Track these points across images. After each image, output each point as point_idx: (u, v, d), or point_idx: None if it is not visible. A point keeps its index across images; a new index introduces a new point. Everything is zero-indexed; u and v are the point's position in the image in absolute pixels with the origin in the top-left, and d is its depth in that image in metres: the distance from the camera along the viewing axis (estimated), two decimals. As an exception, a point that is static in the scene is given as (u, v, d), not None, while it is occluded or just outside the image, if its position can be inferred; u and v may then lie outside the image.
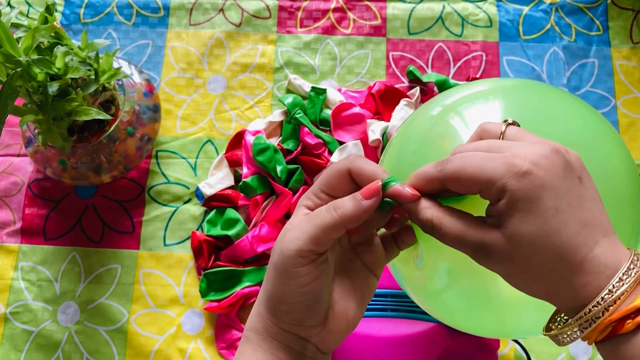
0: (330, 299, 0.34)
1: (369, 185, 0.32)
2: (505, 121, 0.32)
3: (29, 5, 0.76)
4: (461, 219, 0.30)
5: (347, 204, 0.31)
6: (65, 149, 0.57)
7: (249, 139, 0.66)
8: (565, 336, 0.29)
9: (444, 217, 0.30)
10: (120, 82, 0.61)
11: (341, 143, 0.67)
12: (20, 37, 0.52)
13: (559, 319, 0.31)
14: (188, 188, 0.67)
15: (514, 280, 0.30)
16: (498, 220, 0.29)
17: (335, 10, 0.75)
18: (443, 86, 0.70)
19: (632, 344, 0.27)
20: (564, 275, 0.28)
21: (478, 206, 0.31)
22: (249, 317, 0.35)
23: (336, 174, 0.33)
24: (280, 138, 0.68)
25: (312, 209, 0.34)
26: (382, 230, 0.36)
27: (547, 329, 0.31)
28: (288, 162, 0.66)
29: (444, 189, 0.31)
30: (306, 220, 0.32)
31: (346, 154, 0.66)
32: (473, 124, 0.34)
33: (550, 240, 0.28)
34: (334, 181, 0.33)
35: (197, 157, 0.69)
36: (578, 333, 0.29)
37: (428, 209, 0.31)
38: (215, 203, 0.66)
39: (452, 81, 0.70)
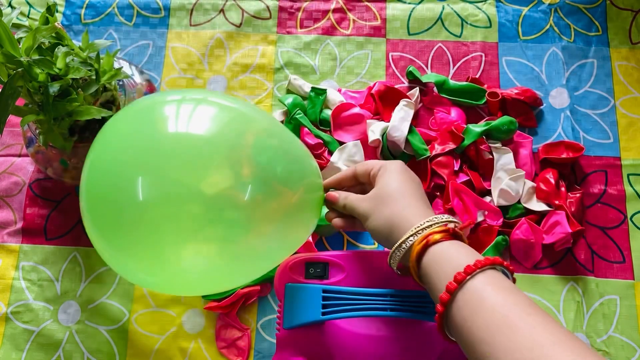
0: None
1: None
2: None
3: (30, 5, 0.76)
4: (353, 198, 0.50)
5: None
6: (66, 149, 0.57)
7: (249, 139, 0.66)
8: (393, 258, 0.44)
9: (348, 200, 0.51)
10: (121, 83, 0.62)
11: (341, 143, 0.68)
12: (21, 38, 0.52)
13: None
14: (188, 188, 0.67)
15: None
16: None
17: (335, 10, 0.75)
18: (442, 86, 0.70)
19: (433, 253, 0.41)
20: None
21: None
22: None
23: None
24: (281, 138, 0.68)
25: None
26: None
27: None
28: (288, 162, 0.66)
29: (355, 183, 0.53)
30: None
31: (346, 154, 0.66)
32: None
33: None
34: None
35: (197, 157, 0.69)
36: (401, 252, 0.43)
37: (343, 199, 0.51)
38: (215, 203, 0.66)
39: (451, 82, 0.70)
